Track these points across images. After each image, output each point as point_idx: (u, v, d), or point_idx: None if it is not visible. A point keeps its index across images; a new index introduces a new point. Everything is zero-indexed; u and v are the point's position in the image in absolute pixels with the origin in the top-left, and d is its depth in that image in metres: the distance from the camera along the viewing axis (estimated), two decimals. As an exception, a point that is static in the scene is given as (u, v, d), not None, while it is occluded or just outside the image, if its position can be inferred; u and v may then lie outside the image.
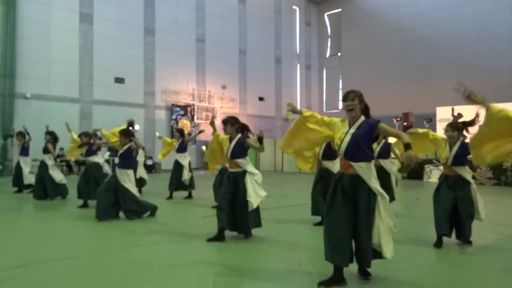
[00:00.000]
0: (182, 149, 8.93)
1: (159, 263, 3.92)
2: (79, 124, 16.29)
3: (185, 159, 8.85)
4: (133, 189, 6.35)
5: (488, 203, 9.06)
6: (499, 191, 11.55)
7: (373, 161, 3.40)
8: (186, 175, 8.70)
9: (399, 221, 6.31)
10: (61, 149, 15.08)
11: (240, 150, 4.94)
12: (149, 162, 17.51)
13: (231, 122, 5.03)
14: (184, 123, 20.04)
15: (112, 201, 6.28)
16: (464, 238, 4.73)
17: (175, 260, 4.06)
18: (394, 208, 7.22)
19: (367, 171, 3.32)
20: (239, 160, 4.90)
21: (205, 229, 5.39)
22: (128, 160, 6.39)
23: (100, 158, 8.08)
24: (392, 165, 7.08)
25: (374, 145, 7.30)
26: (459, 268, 4.03)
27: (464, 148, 4.67)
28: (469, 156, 4.60)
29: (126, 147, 6.36)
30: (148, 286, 3.32)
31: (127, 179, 6.29)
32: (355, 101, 3.39)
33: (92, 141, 7.99)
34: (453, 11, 21.36)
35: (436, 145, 4.90)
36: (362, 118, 3.43)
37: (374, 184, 3.32)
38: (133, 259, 4.11)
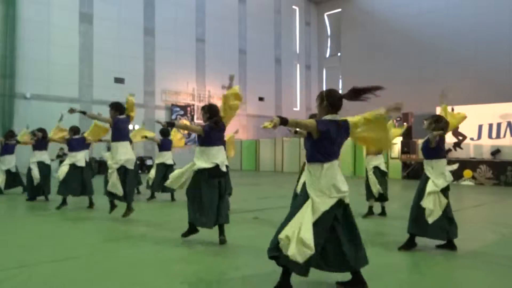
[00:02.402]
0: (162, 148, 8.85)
1: (159, 264, 3.93)
2: (78, 125, 16.25)
3: (161, 158, 8.72)
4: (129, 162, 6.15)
5: (488, 203, 9.10)
6: (499, 191, 11.55)
7: (327, 163, 3.02)
8: (151, 174, 8.70)
9: (399, 222, 6.32)
10: (61, 149, 15.09)
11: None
12: (149, 162, 17.52)
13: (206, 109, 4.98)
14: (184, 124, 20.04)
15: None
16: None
17: (175, 260, 4.07)
18: (393, 208, 7.22)
19: (312, 174, 3.04)
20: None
21: (203, 230, 5.39)
22: (118, 132, 6.14)
23: (77, 158, 7.79)
24: (369, 160, 6.86)
25: None
26: (459, 268, 4.04)
27: (427, 142, 4.66)
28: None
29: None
30: (148, 286, 3.33)
31: (123, 152, 6.10)
32: (317, 103, 3.29)
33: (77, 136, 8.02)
34: (453, 12, 21.39)
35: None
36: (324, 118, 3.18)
37: (311, 188, 3.02)
38: (132, 259, 4.12)
